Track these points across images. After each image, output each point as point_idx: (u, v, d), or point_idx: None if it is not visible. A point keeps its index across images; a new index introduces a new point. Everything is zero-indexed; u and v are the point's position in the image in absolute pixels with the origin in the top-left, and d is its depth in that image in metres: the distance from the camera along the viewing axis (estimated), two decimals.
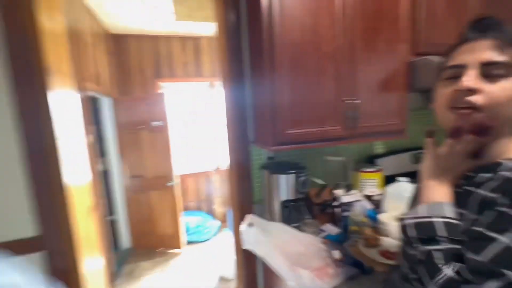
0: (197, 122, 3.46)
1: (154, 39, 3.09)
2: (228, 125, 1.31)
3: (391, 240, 1.00)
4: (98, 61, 2.48)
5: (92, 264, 1.32)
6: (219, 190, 3.52)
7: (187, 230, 3.04)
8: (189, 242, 3.04)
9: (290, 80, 0.98)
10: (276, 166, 1.19)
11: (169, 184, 2.74)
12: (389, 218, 1.08)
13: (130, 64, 3.06)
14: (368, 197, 1.24)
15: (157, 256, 2.83)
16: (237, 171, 1.29)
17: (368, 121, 1.10)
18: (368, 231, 1.05)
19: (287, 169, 1.10)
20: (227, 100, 1.28)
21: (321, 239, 0.96)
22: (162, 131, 2.73)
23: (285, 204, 1.09)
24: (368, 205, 1.18)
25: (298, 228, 1.06)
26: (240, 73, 1.25)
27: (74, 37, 1.88)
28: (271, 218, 1.15)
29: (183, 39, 3.19)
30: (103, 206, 2.20)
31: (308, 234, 1.00)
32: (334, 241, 0.93)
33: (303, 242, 0.95)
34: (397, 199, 1.10)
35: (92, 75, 2.28)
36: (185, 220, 3.06)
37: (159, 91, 3.09)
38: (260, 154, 1.33)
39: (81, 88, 1.93)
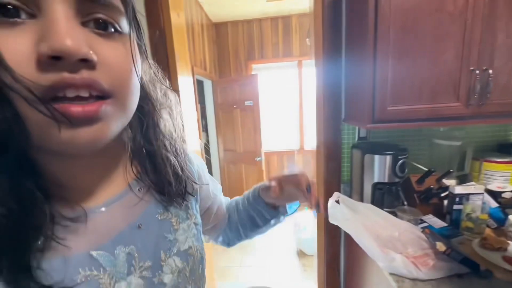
0: (284, 102, 3.55)
1: (247, 23, 3.28)
2: (318, 103, 1.30)
3: None
4: (204, 49, 2.86)
5: None
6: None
7: None
8: None
9: (397, 51, 0.87)
10: (370, 146, 1.11)
11: (257, 159, 2.99)
12: None
13: (227, 49, 3.39)
14: (493, 193, 1.01)
15: None
16: (326, 150, 1.29)
17: (502, 97, 0.87)
18: (488, 231, 0.87)
19: (382, 150, 1.02)
20: (320, 77, 1.26)
21: (421, 228, 0.86)
22: (253, 110, 2.96)
23: (378, 187, 1.03)
24: (492, 202, 0.96)
25: (392, 213, 0.98)
26: (337, 48, 1.20)
27: (189, 28, 2.23)
28: (360, 200, 1.10)
29: (274, 20, 3.24)
30: None
31: (403, 221, 0.92)
32: (438, 234, 0.82)
33: (397, 227, 0.89)
34: None
35: (200, 61, 2.67)
36: None
37: (253, 73, 3.30)
38: (351, 134, 1.27)
39: (192, 73, 2.31)
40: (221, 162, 3.43)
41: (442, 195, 1.00)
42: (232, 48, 3.37)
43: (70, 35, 0.21)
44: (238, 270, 2.29)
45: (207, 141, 3.46)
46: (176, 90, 1.32)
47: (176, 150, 0.38)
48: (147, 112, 0.34)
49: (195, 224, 0.41)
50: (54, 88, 0.21)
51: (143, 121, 0.34)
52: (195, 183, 0.42)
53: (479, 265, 0.71)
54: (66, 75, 0.21)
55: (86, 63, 0.22)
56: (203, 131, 3.46)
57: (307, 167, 3.52)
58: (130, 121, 0.30)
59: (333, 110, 1.25)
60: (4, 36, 0.19)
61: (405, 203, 1.01)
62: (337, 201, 1.03)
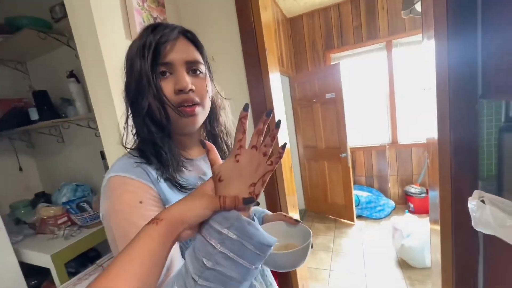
0: (371, 91, 3.16)
1: (324, 11, 3.08)
2: (440, 84, 1.03)
3: None
4: (281, 45, 2.84)
5: (291, 204, 1.61)
6: (395, 168, 3.10)
7: (357, 204, 2.97)
8: (358, 216, 2.97)
9: None
10: None
11: (342, 155, 2.76)
12: None
13: (303, 43, 3.27)
14: None
15: (329, 222, 3.01)
16: (452, 138, 1.02)
17: None
18: None
19: None
20: (442, 50, 1.00)
21: None
22: (335, 102, 2.74)
23: None
24: None
25: None
26: (468, 5, 0.92)
27: None
28: None
29: (354, 1, 2.93)
30: None
31: None
32: None
33: None
34: None
35: (277, 58, 2.66)
36: (355, 194, 3.00)
37: (333, 63, 3.09)
38: (493, 114, 0.96)
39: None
40: (300, 159, 3.34)
41: None
42: (308, 40, 3.24)
43: (186, 81, 0.49)
44: (327, 273, 2.14)
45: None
46: (266, 85, 1.31)
47: (227, 135, 0.63)
48: (213, 112, 0.60)
49: None
50: (181, 102, 0.50)
51: (211, 117, 0.60)
52: None
53: None
54: (185, 96, 0.50)
55: (192, 91, 0.50)
56: None
57: (402, 164, 3.02)
58: (206, 118, 0.57)
59: (465, 86, 0.97)
60: (164, 82, 0.49)
61: None
62: (483, 201, 0.78)
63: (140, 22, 1.09)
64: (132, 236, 0.34)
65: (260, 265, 0.38)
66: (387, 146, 3.07)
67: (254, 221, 0.38)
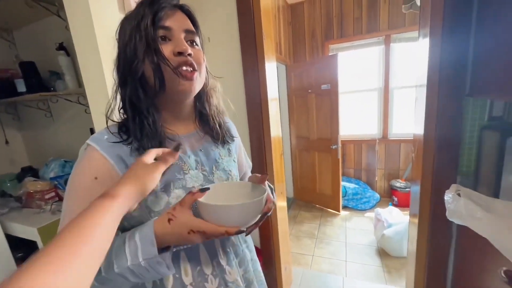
0: (365, 84, 3.17)
1: (326, 0, 3.02)
2: (431, 78, 1.05)
3: None
4: (280, 32, 2.79)
5: (279, 191, 1.65)
6: (383, 162, 3.18)
7: (344, 195, 3.06)
8: (344, 207, 3.07)
9: None
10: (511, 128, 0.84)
11: (333, 147, 2.80)
12: None
13: (303, 31, 3.22)
14: None
15: (316, 211, 3.10)
16: (438, 134, 1.05)
17: None
18: None
19: None
20: (436, 46, 1.01)
21: None
22: (330, 94, 2.75)
23: None
24: None
25: None
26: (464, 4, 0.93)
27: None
28: (494, 196, 0.85)
29: None
30: None
31: None
32: None
33: None
34: None
35: (276, 45, 2.62)
36: (343, 185, 3.08)
37: (330, 54, 3.06)
38: (478, 112, 0.99)
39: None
40: (292, 149, 3.38)
41: None
42: (308, 29, 3.19)
43: (185, 45, 0.50)
44: (310, 258, 2.23)
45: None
46: (262, 70, 1.30)
47: (218, 115, 0.63)
48: (204, 91, 0.60)
49: (234, 161, 0.66)
50: (180, 63, 0.49)
51: (202, 96, 0.61)
52: (231, 135, 0.67)
53: None
54: (184, 58, 0.49)
55: (190, 56, 0.50)
56: None
57: (390, 158, 3.10)
58: (197, 96, 0.59)
59: (454, 84, 1.00)
60: (164, 46, 0.48)
61: None
62: (458, 194, 0.82)
63: None
64: (76, 209, 0.41)
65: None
66: (377, 141, 3.13)
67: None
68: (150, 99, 0.50)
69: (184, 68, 0.49)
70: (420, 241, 1.22)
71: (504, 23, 0.82)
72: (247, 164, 0.80)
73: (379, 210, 2.38)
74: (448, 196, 0.84)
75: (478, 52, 0.93)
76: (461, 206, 0.79)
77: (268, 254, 1.50)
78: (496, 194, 0.85)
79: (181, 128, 0.58)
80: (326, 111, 2.83)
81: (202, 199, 0.46)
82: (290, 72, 3.13)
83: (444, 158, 1.06)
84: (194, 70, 0.51)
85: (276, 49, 2.64)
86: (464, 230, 1.05)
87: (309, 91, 2.96)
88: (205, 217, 0.45)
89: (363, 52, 3.11)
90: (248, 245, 0.67)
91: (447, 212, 0.83)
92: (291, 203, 3.40)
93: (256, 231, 1.50)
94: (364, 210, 3.00)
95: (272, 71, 1.43)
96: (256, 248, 1.23)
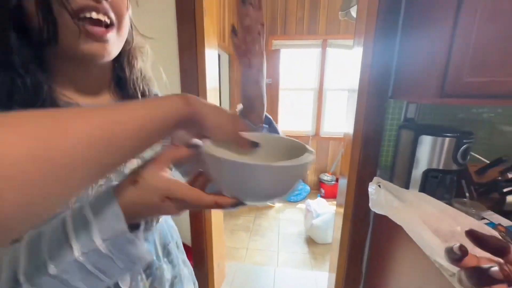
0: (303, 83, 3.35)
1: None
2: (362, 81, 1.13)
3: None
4: (224, 18, 2.65)
5: None
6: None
7: None
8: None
9: (483, 17, 0.70)
10: (423, 128, 0.96)
11: None
12: None
13: None
14: None
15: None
16: (364, 132, 1.14)
17: None
18: None
19: (441, 131, 0.87)
20: (367, 54, 1.08)
21: (491, 224, 0.72)
22: (271, 89, 2.78)
23: (432, 174, 0.88)
24: None
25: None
26: (392, 15, 1.02)
27: None
28: (404, 188, 0.97)
29: None
30: None
31: (465, 214, 0.78)
32: None
33: (457, 220, 0.75)
34: None
35: (219, 31, 2.47)
36: None
37: (273, 49, 3.09)
38: (396, 114, 1.11)
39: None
40: None
41: (506, 190, 0.85)
42: None
43: None
44: (244, 251, 2.23)
45: None
46: (201, 52, 1.16)
47: (143, 82, 0.48)
48: (127, 51, 0.45)
49: None
50: (84, 8, 0.32)
51: (123, 56, 0.44)
52: None
53: None
54: (92, 2, 0.33)
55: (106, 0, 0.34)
56: None
57: (320, 154, 3.38)
58: (116, 58, 0.41)
59: (380, 87, 1.09)
60: None
61: (467, 194, 0.87)
62: (379, 187, 0.90)
63: None
64: None
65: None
66: (310, 138, 3.36)
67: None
68: (32, 50, 0.33)
69: (90, 16, 0.33)
70: (344, 228, 1.33)
71: (414, 39, 0.93)
72: None
73: (309, 201, 2.55)
74: (372, 188, 0.90)
75: (399, 61, 1.04)
76: (381, 197, 0.86)
77: (199, 251, 1.39)
78: (407, 185, 0.96)
79: (86, 96, 0.41)
80: (268, 105, 2.85)
81: (216, 151, 0.30)
82: (234, 62, 3.03)
83: (368, 154, 1.16)
84: (110, 25, 0.35)
85: (220, 37, 2.50)
86: (378, 219, 1.18)
87: None
88: (216, 178, 0.30)
89: (304, 52, 3.26)
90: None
91: (370, 202, 0.90)
92: None
93: (187, 227, 1.37)
94: (296, 201, 3.19)
95: (213, 56, 1.31)
96: (185, 246, 1.10)
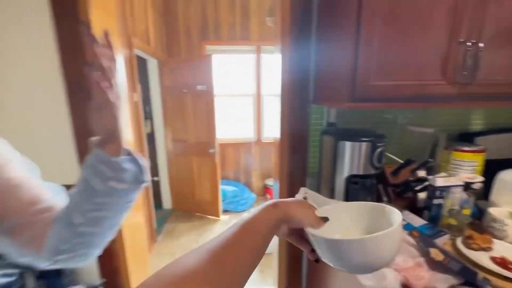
0: (241, 89, 3.28)
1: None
2: (283, 88, 1.08)
3: (509, 245, 0.72)
4: (147, 18, 2.39)
5: (135, 218, 1.30)
6: (258, 163, 3.40)
7: (224, 198, 3.03)
8: (225, 211, 3.05)
9: (384, 18, 0.70)
10: (343, 133, 0.94)
11: (211, 151, 2.69)
12: (505, 215, 0.78)
13: (177, 26, 2.94)
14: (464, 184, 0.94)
15: (195, 220, 2.89)
16: (290, 137, 1.09)
17: (490, 76, 0.77)
18: (470, 228, 0.77)
19: (358, 136, 0.86)
20: (286, 58, 1.04)
21: (407, 230, 0.72)
22: (206, 95, 2.62)
23: (353, 180, 0.86)
24: (465, 195, 0.89)
25: None
26: (306, 24, 0.99)
27: None
28: (331, 196, 0.93)
29: None
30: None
31: None
32: (428, 237, 0.69)
33: None
34: None
35: (141, 32, 2.20)
36: (223, 189, 3.04)
37: (206, 54, 2.94)
38: (319, 119, 1.09)
39: (127, 43, 1.87)
40: (168, 154, 3.02)
41: (418, 188, 0.89)
42: (183, 24, 2.95)
43: None
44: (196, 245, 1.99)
45: (152, 130, 3.00)
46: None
47: None
48: None
49: None
50: None
51: None
52: None
53: (477, 274, 0.58)
54: None
55: None
56: (146, 118, 2.98)
57: (264, 159, 3.36)
58: None
59: (300, 93, 1.05)
60: None
61: (385, 198, 0.87)
62: (305, 198, 0.83)
63: None
64: None
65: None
66: (252, 143, 3.31)
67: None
68: None
69: None
70: (282, 242, 1.25)
71: (327, 46, 0.92)
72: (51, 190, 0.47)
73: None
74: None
75: (317, 67, 1.01)
76: None
77: None
78: (332, 193, 0.93)
79: None
80: (203, 113, 2.69)
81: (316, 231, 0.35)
82: (164, 68, 2.78)
83: (296, 160, 1.11)
84: None
85: (143, 38, 2.24)
86: None
87: (185, 90, 2.72)
88: (324, 257, 0.34)
89: (240, 58, 3.21)
90: None
91: None
92: (169, 214, 3.03)
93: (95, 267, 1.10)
94: (243, 211, 3.08)
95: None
96: None
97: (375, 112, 1.10)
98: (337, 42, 0.83)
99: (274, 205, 0.35)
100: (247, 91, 3.28)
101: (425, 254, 0.61)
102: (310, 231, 0.35)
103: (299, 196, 0.85)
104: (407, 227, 0.77)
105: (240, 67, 3.23)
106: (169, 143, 2.98)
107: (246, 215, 0.33)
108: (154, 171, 3.11)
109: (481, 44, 0.73)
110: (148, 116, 3.00)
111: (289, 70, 1.03)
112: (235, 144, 3.34)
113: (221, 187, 3.03)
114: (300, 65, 1.03)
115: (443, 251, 0.58)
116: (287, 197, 1.18)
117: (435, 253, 0.59)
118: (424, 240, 0.64)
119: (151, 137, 3.04)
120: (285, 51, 1.03)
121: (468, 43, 0.72)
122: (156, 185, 3.14)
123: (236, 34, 3.03)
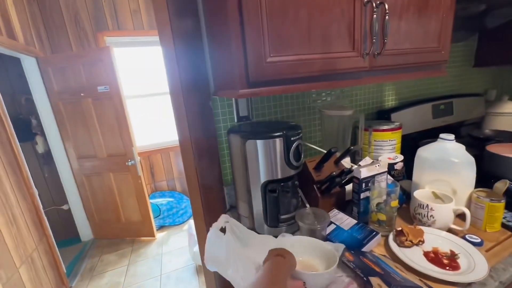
0: (157, 87, 2.86)
1: None
2: (173, 80, 0.83)
3: (440, 232, 0.64)
4: (7, 6, 1.76)
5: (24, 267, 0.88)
6: None
7: (158, 214, 2.64)
8: (162, 227, 2.67)
9: None
10: (253, 129, 0.75)
11: (130, 163, 2.25)
12: (429, 196, 0.71)
13: (59, 14, 2.32)
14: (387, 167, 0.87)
15: (125, 246, 2.43)
16: (194, 140, 0.85)
17: (398, 44, 0.68)
18: (399, 218, 0.68)
19: (269, 131, 0.67)
20: (169, 50, 0.78)
21: (340, 257, 0.55)
22: (111, 98, 2.15)
23: (270, 188, 0.68)
24: (389, 178, 0.81)
25: (293, 224, 0.67)
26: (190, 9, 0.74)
27: None
28: (250, 213, 0.74)
29: None
30: (37, 197, 1.70)
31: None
32: (359, 258, 0.54)
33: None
34: (436, 167, 0.73)
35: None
36: (155, 203, 2.64)
37: (102, 46, 2.41)
38: (228, 114, 0.88)
39: None
40: (76, 176, 2.43)
41: (343, 181, 0.77)
42: (67, 12, 2.33)
43: None
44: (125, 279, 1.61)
45: (47, 148, 2.35)
46: None
47: None
48: None
49: None
50: None
51: None
52: None
53: None
54: None
55: None
56: (35, 134, 2.31)
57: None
58: None
59: (197, 84, 0.81)
60: None
61: (307, 205, 0.72)
62: (223, 229, 0.60)
63: None
64: None
65: None
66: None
67: None
68: None
69: None
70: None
71: (216, 29, 0.69)
72: None
73: (191, 223, 2.17)
74: (210, 233, 0.60)
75: (212, 56, 0.79)
76: (220, 247, 0.57)
77: None
78: (251, 211, 0.73)
79: None
80: (112, 119, 2.21)
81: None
82: (47, 67, 2.16)
83: (206, 168, 0.88)
84: None
85: (3, 31, 1.63)
86: None
87: (82, 94, 2.18)
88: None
89: (151, 51, 2.76)
90: None
91: (204, 258, 0.60)
92: (90, 246, 2.48)
93: None
94: (183, 223, 2.75)
95: None
96: None
97: (289, 98, 0.95)
98: (221, 14, 0.61)
99: (285, 255, 0.44)
100: (163, 89, 2.88)
101: (367, 284, 0.46)
102: None
103: (218, 225, 0.62)
104: (350, 252, 0.61)
105: (155, 62, 2.79)
106: (74, 161, 2.39)
107: None
108: (60, 198, 2.48)
109: (386, 5, 0.61)
110: (38, 131, 2.33)
111: (176, 59, 0.78)
112: (164, 150, 2.94)
113: (152, 201, 2.62)
114: (192, 59, 0.79)
115: (384, 280, 0.45)
116: (204, 218, 0.95)
117: (376, 283, 0.45)
118: (360, 265, 0.50)
119: (47, 157, 2.39)
120: (169, 46, 0.77)
121: (374, 3, 0.59)
122: (66, 215, 2.53)
123: (143, 23, 2.58)
